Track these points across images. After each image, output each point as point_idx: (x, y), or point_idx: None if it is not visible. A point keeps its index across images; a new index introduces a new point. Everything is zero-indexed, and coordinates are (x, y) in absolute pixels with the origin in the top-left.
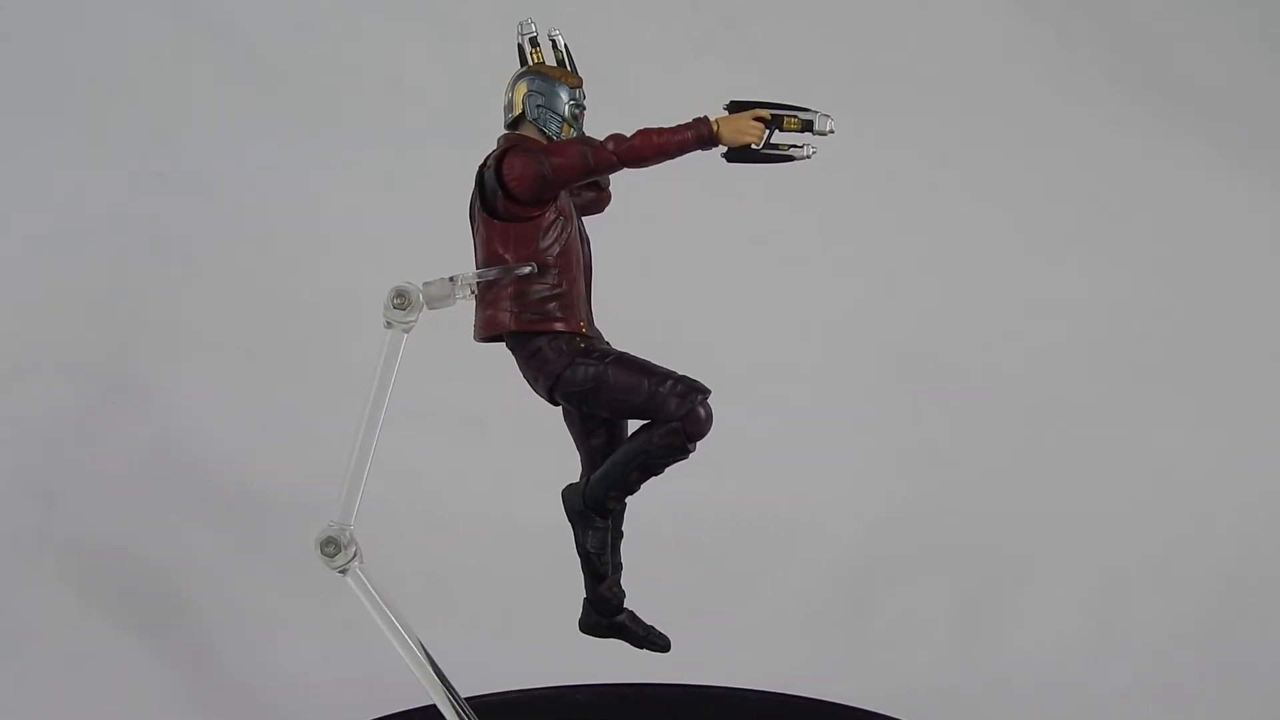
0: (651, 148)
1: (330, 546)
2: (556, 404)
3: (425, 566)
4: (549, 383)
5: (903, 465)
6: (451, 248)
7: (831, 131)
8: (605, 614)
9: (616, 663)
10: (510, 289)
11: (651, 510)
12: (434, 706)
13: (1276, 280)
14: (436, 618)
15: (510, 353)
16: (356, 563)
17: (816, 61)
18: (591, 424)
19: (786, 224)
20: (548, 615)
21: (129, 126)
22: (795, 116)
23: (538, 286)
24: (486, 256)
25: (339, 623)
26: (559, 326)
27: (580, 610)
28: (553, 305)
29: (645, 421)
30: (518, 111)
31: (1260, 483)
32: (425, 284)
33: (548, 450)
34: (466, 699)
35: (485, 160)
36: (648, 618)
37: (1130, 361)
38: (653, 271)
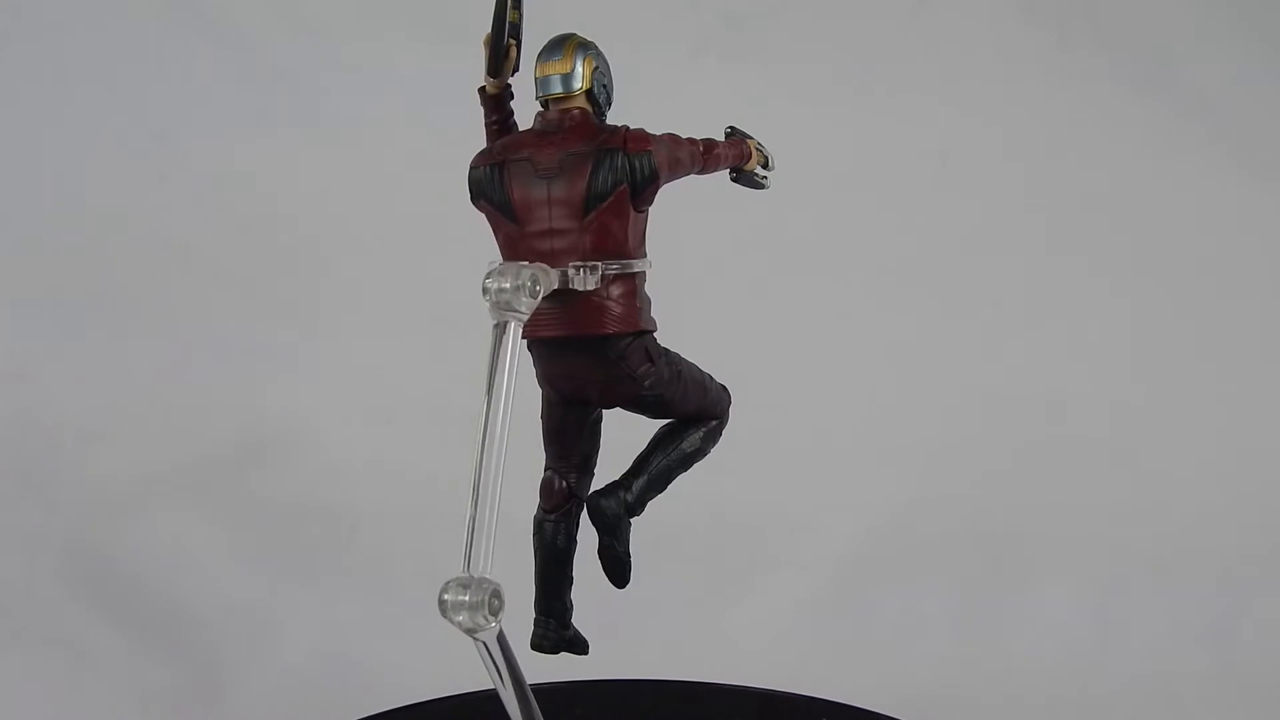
0: (725, 159)
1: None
2: (622, 405)
3: (425, 566)
4: (643, 382)
5: (903, 465)
6: (452, 247)
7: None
8: (567, 625)
9: (616, 661)
10: (632, 284)
11: (651, 510)
12: (431, 705)
13: (1277, 280)
14: (436, 618)
15: (578, 352)
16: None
17: (816, 62)
18: (596, 426)
19: (785, 223)
20: None
21: (129, 126)
22: (763, 151)
23: (645, 284)
24: (608, 246)
25: (339, 623)
26: (654, 327)
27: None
28: (650, 304)
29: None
30: (587, 85)
31: (1260, 482)
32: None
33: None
34: (466, 696)
35: (617, 143)
36: (648, 617)
37: (1130, 361)
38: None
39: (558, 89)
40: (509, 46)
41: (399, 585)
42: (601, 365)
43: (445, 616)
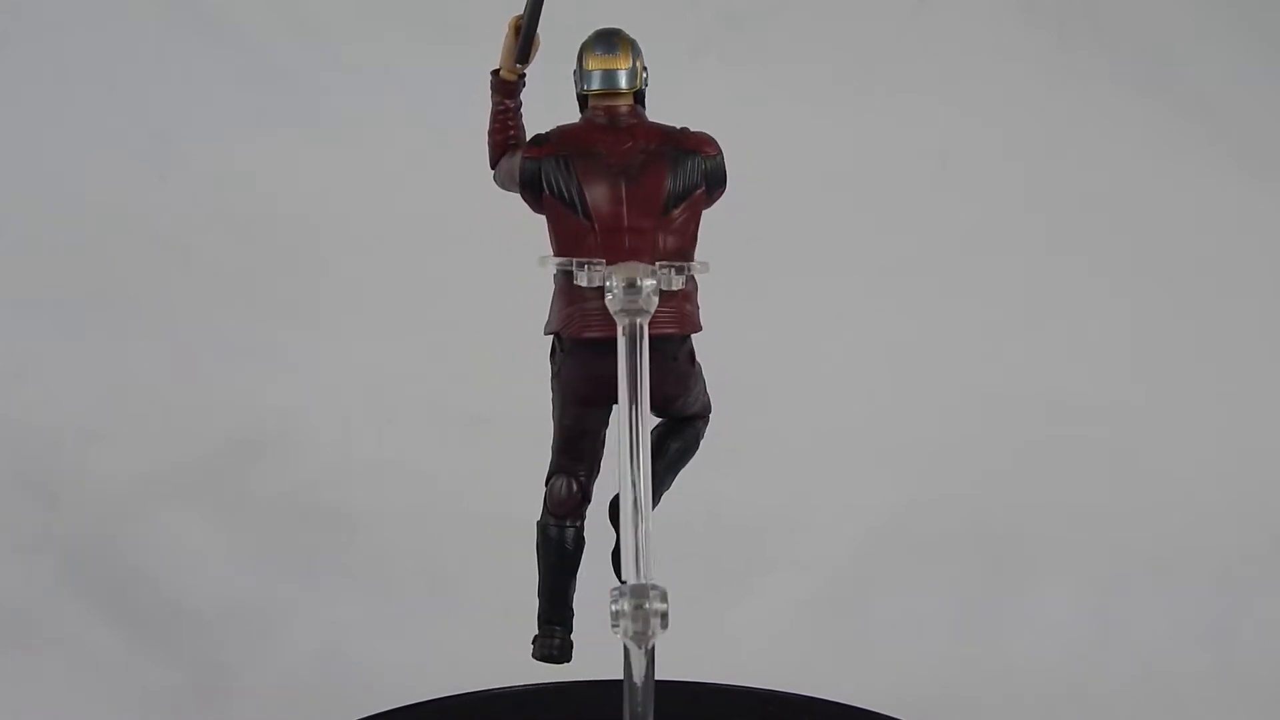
0: None
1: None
2: (658, 405)
3: (425, 566)
4: (687, 382)
5: (903, 465)
6: (453, 247)
7: None
8: (571, 631)
9: (616, 661)
10: (695, 285)
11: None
12: (430, 705)
13: (1277, 280)
14: (436, 618)
15: (652, 353)
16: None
17: (816, 62)
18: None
19: (784, 223)
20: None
21: (129, 126)
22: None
23: None
24: (684, 247)
25: (339, 623)
26: None
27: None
28: None
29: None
30: (640, 83)
31: (1260, 482)
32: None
33: (549, 450)
34: (466, 696)
35: (692, 145)
36: None
37: (1130, 361)
38: None
39: (621, 84)
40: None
41: (399, 585)
42: (659, 366)
43: (617, 624)
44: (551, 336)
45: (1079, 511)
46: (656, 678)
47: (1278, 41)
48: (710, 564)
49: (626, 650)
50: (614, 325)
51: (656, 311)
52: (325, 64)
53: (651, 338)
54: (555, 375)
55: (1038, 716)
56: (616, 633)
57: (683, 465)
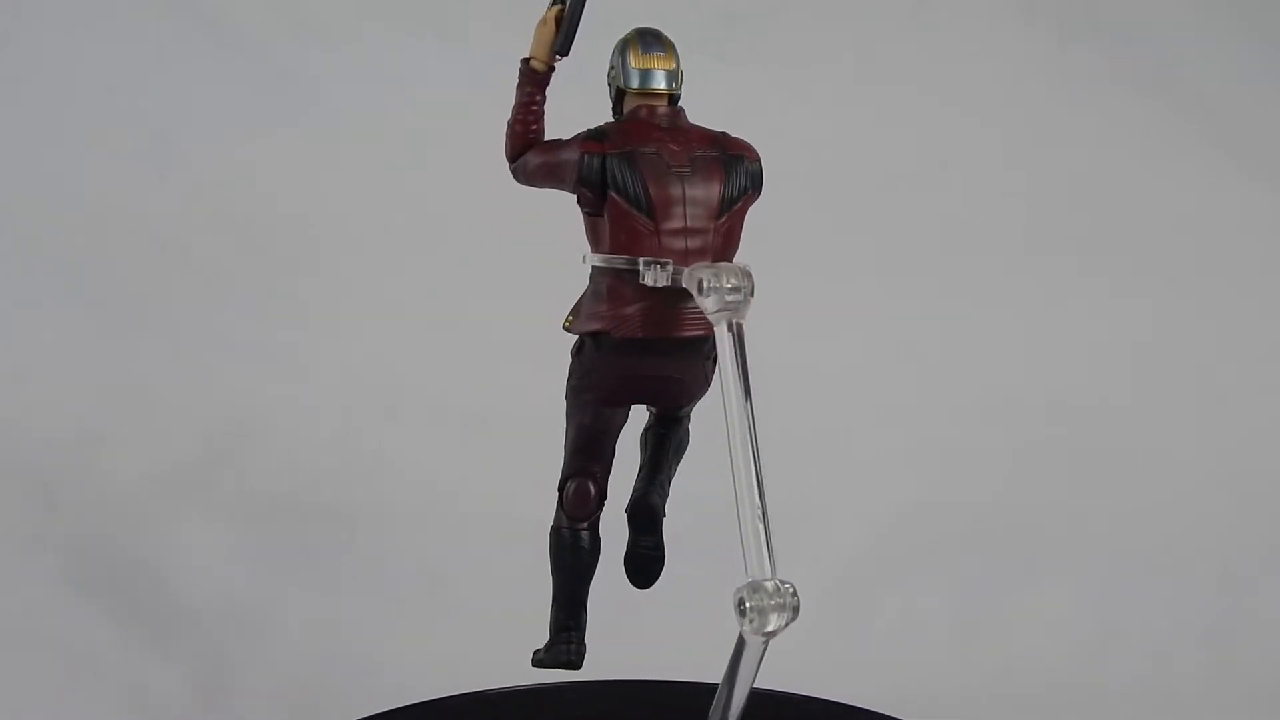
0: None
1: (740, 607)
2: (680, 404)
3: (425, 566)
4: (708, 380)
5: (904, 466)
6: (453, 247)
7: None
8: (584, 634)
9: (616, 660)
10: None
11: None
12: (429, 705)
13: (1277, 280)
14: (436, 618)
15: (685, 352)
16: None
17: (816, 62)
18: None
19: (786, 223)
20: (548, 615)
21: (129, 126)
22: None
23: None
24: (731, 251)
25: (339, 623)
26: None
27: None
28: None
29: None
30: (680, 89)
31: (1260, 482)
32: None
33: (549, 450)
34: (466, 696)
35: (736, 150)
36: (647, 617)
37: (1131, 361)
38: None
39: (668, 85)
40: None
41: (399, 585)
42: (694, 365)
43: (750, 619)
44: (578, 337)
45: (1079, 511)
46: (656, 678)
47: (1278, 41)
48: (711, 564)
49: (741, 644)
50: (664, 326)
51: (696, 312)
52: (325, 64)
53: (687, 338)
54: (584, 374)
55: (1038, 716)
56: (745, 626)
57: (680, 459)
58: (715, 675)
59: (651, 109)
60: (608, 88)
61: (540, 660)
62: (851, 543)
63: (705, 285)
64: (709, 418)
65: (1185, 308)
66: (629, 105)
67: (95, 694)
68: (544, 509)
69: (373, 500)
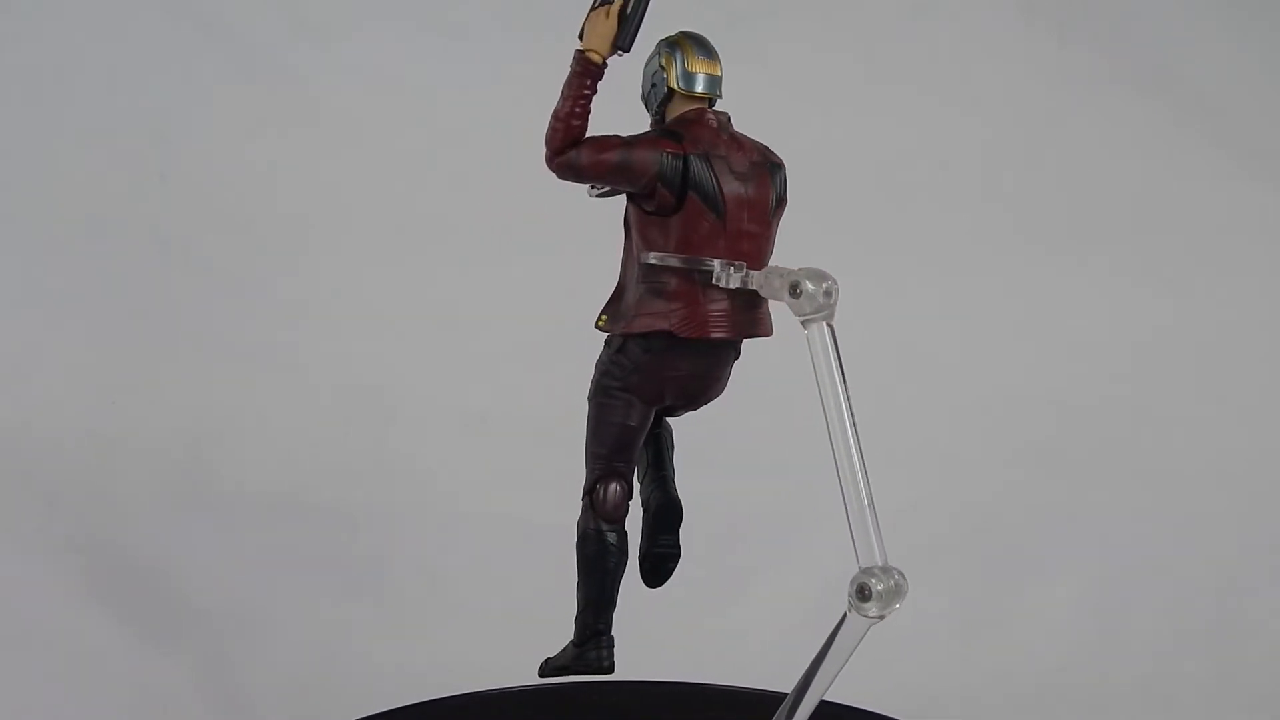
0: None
1: (863, 592)
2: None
3: (425, 566)
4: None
5: (903, 465)
6: (453, 247)
7: None
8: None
9: (616, 662)
10: None
11: None
12: (431, 705)
13: (1278, 280)
14: (436, 618)
15: (728, 353)
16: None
17: (817, 61)
18: None
19: (786, 223)
20: (548, 615)
21: (129, 126)
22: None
23: None
24: (769, 254)
25: (339, 623)
26: None
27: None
28: None
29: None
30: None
31: (1261, 482)
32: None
33: (548, 450)
34: (466, 696)
35: (777, 160)
36: (647, 617)
37: (1131, 362)
38: None
39: (718, 91)
40: None
41: (399, 585)
42: (728, 366)
43: (866, 601)
44: (617, 337)
45: (1079, 511)
46: (655, 678)
47: (1278, 41)
48: (712, 564)
49: (843, 625)
50: (730, 327)
51: (762, 314)
52: (325, 64)
53: (722, 340)
54: (627, 374)
55: (1038, 716)
56: (866, 611)
57: None
58: (715, 675)
59: (710, 113)
60: (648, 86)
61: (562, 667)
62: (851, 544)
63: (803, 289)
64: (709, 418)
65: (1186, 308)
66: (680, 107)
67: (96, 694)
68: (544, 509)
69: (373, 500)
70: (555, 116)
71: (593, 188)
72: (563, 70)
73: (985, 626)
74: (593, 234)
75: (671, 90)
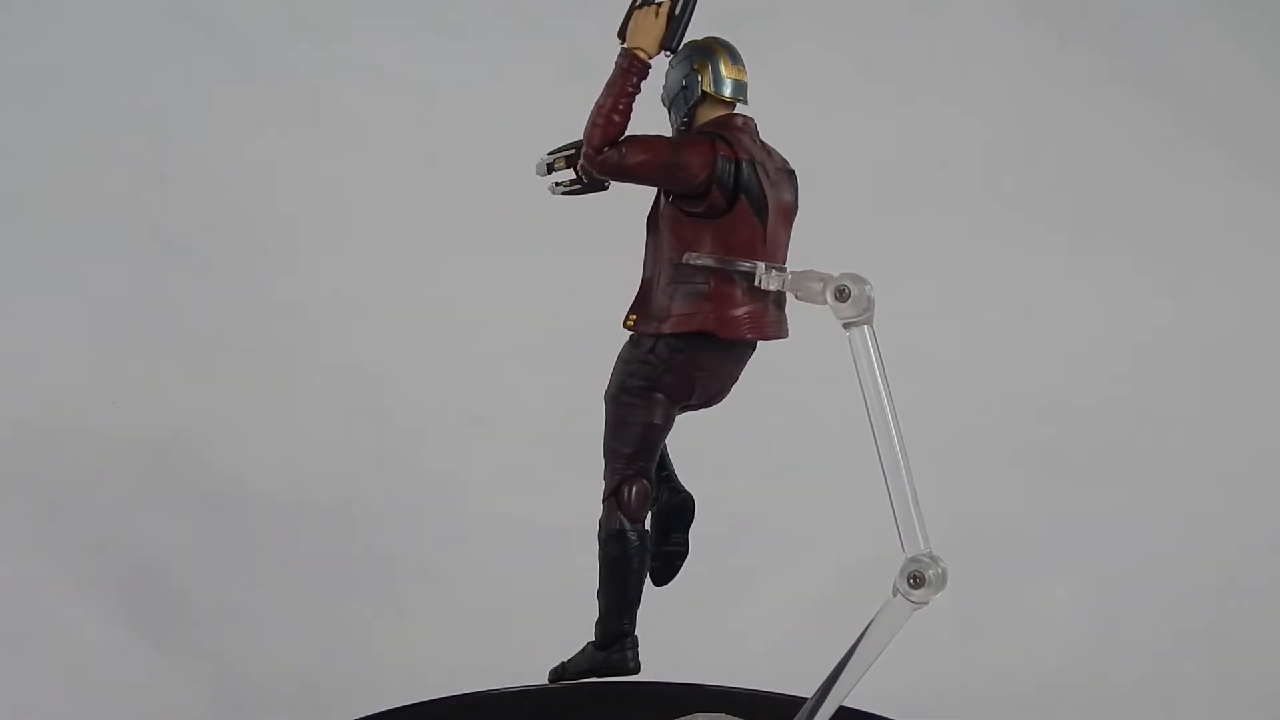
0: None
1: (914, 580)
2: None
3: (425, 566)
4: None
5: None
6: (453, 246)
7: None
8: None
9: None
10: None
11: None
12: (428, 704)
13: (1278, 280)
14: (437, 617)
15: (747, 354)
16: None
17: (817, 61)
18: None
19: None
20: (548, 614)
21: (129, 126)
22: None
23: None
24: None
25: (339, 623)
26: None
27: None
28: None
29: None
30: None
31: (1261, 482)
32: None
33: (548, 450)
34: (465, 696)
35: (791, 168)
36: (648, 617)
37: (1131, 362)
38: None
39: (747, 98)
40: None
41: (399, 585)
42: (743, 367)
43: (923, 589)
44: (643, 336)
45: (1079, 511)
46: (655, 678)
47: (1278, 41)
48: (713, 565)
49: (884, 612)
50: (767, 329)
51: (781, 317)
52: (325, 64)
53: (740, 341)
54: (657, 374)
55: (1038, 716)
56: (916, 597)
57: None
58: (715, 675)
59: (741, 119)
60: (675, 88)
61: (586, 670)
62: (851, 542)
63: (850, 293)
64: (710, 418)
65: (1186, 308)
66: (713, 112)
67: (96, 694)
68: (544, 509)
69: (373, 500)
70: (598, 113)
71: (556, 184)
72: (563, 70)
73: (985, 626)
74: (593, 234)
75: (705, 94)
